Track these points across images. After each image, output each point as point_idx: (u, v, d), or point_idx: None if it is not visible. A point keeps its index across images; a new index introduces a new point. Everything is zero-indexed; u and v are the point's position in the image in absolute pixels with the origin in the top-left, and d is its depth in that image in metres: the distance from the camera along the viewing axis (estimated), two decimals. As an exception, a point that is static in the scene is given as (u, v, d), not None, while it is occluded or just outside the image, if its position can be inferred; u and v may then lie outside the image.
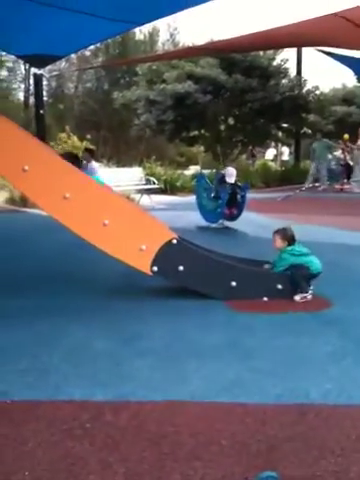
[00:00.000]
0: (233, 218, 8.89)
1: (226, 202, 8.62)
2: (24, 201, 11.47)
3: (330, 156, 16.99)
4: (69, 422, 2.64)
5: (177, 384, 3.05)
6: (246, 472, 2.23)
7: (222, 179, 8.98)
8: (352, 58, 9.57)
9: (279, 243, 4.79)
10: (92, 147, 15.14)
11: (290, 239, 4.78)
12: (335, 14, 5.49)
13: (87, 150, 11.15)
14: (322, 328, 3.99)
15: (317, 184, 15.93)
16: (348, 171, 16.70)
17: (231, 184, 8.80)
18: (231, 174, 8.93)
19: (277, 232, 4.84)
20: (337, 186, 16.17)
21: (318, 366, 3.30)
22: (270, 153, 22.23)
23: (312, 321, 4.16)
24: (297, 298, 4.65)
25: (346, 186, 16.04)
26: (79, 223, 4.50)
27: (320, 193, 15.14)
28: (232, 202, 8.75)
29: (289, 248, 4.75)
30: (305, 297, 4.65)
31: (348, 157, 16.92)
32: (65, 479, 2.19)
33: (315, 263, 4.71)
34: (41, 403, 2.84)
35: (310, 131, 17.20)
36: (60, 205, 4.44)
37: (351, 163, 16.87)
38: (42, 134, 9.89)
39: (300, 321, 4.17)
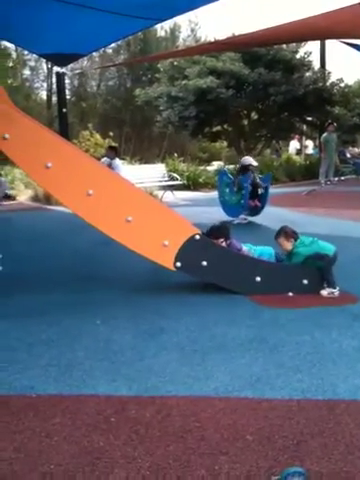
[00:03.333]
0: (257, 211, 8.81)
1: (249, 195, 8.58)
2: (48, 198, 11.59)
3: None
4: (94, 416, 2.65)
5: (202, 379, 3.03)
6: (272, 467, 2.20)
7: (243, 168, 8.97)
8: (378, 50, 9.39)
9: (287, 244, 4.73)
10: (115, 145, 15.23)
11: (293, 235, 4.74)
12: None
13: (111, 148, 11.22)
14: (349, 323, 3.92)
15: (325, 179, 15.44)
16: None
17: (252, 172, 8.82)
18: (250, 160, 9.05)
19: (278, 236, 4.78)
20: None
21: (345, 361, 3.24)
22: (292, 146, 21.86)
23: (338, 316, 4.09)
24: (324, 293, 4.58)
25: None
26: (102, 219, 4.51)
27: (345, 187, 14.89)
28: (255, 194, 8.69)
29: (298, 242, 4.70)
30: (332, 293, 4.57)
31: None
32: (90, 472, 2.20)
33: (327, 246, 4.68)
34: (66, 397, 2.86)
35: (335, 124, 16.85)
36: (83, 202, 4.47)
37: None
38: (65, 132, 9.92)
39: (326, 316, 4.10)
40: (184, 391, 2.90)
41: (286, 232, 4.75)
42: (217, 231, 4.95)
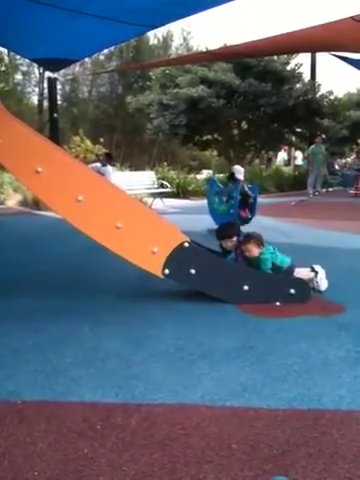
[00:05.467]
0: (247, 221, 8.85)
1: (238, 204, 8.59)
2: (37, 203, 11.56)
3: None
4: (79, 423, 2.64)
5: (188, 387, 3.03)
6: (257, 477, 2.21)
7: (233, 176, 8.97)
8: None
9: (255, 250, 4.86)
10: (107, 151, 15.26)
11: (263, 242, 4.90)
12: (352, 18, 5.45)
13: (106, 155, 11.34)
14: (335, 333, 3.95)
15: (314, 191, 15.59)
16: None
17: (241, 181, 8.80)
18: (239, 171, 8.98)
19: (248, 241, 4.89)
20: (351, 191, 16.08)
21: (331, 371, 3.26)
22: (280, 157, 22.10)
23: (325, 326, 4.12)
24: (325, 285, 4.89)
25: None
26: (92, 226, 4.51)
27: (334, 198, 15.04)
28: (244, 204, 8.72)
29: (265, 249, 4.88)
30: (316, 272, 4.88)
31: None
32: (75, 480, 2.19)
33: (284, 259, 4.93)
34: (52, 404, 2.84)
35: (324, 136, 17.06)
36: (73, 207, 4.46)
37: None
38: (56, 137, 9.91)
39: (313, 326, 4.13)
40: (170, 399, 2.90)
41: (257, 238, 4.91)
42: (230, 229, 5.12)
